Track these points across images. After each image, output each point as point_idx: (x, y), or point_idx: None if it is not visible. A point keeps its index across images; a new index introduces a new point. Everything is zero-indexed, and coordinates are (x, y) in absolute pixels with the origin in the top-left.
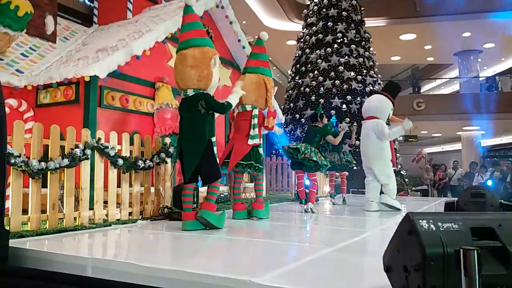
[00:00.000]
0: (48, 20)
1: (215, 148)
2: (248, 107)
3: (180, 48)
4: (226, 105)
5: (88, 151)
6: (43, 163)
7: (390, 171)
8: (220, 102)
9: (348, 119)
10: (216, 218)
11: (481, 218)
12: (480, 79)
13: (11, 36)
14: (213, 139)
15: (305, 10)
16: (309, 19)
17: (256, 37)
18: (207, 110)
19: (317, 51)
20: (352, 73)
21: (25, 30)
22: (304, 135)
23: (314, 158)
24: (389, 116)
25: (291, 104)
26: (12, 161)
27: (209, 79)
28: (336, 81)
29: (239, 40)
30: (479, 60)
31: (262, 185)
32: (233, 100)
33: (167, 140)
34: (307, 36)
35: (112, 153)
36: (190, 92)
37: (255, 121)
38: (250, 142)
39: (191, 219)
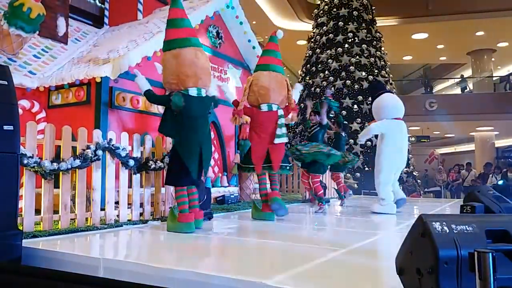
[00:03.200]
0: (60, 22)
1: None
2: (275, 107)
3: (195, 44)
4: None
5: (100, 152)
6: (55, 164)
7: None
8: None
9: (360, 119)
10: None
11: (495, 221)
12: (494, 78)
13: (23, 38)
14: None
15: (315, 10)
16: (319, 19)
17: (271, 34)
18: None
19: (328, 51)
20: (363, 73)
21: (37, 32)
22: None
23: (325, 150)
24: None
25: (301, 104)
26: (25, 161)
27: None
28: (347, 81)
29: (249, 41)
30: (493, 59)
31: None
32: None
33: None
34: (317, 36)
35: (123, 153)
36: (203, 93)
37: (282, 120)
38: (278, 140)
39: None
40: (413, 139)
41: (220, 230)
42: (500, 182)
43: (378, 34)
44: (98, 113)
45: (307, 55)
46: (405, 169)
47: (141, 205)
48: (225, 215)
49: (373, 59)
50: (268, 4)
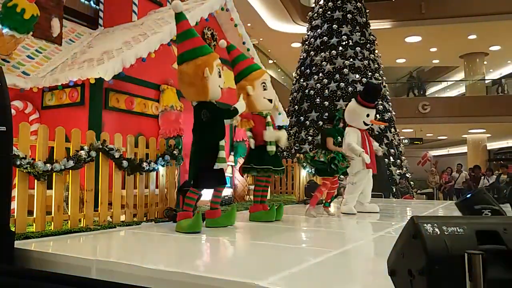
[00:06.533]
0: (54, 23)
1: (221, 152)
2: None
3: (177, 64)
4: (232, 112)
5: (93, 153)
6: (48, 165)
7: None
8: (224, 110)
9: None
10: (188, 226)
11: (486, 222)
12: (486, 81)
13: (17, 39)
14: (221, 142)
15: (310, 13)
16: (314, 22)
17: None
18: (212, 118)
19: (322, 54)
20: (357, 76)
21: (31, 33)
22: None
23: (322, 159)
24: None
25: (296, 106)
26: (18, 162)
27: (206, 92)
28: (341, 83)
29: (243, 43)
30: (485, 62)
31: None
32: (240, 106)
33: (172, 142)
34: (312, 39)
35: (117, 155)
36: (194, 103)
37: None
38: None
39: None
40: (406, 141)
41: (212, 231)
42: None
43: (372, 37)
44: (92, 114)
45: (302, 57)
46: (398, 171)
47: (135, 206)
48: None
49: (366, 61)
50: (263, 7)
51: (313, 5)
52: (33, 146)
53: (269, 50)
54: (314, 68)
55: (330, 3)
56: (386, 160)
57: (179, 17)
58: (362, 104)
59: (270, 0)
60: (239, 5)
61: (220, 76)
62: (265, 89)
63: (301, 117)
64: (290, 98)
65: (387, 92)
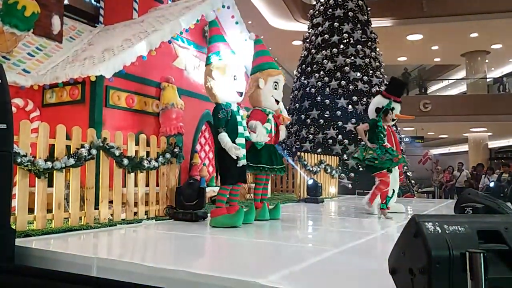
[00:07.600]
0: (55, 20)
1: (242, 150)
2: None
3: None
4: (219, 127)
5: (94, 151)
6: (49, 163)
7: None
8: (217, 122)
9: (354, 119)
10: (227, 220)
11: (487, 221)
12: (488, 80)
13: (18, 36)
14: (240, 141)
15: (311, 10)
16: (315, 19)
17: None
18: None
19: (323, 52)
20: (358, 74)
21: (31, 30)
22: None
23: (355, 155)
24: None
25: (297, 104)
26: (19, 160)
27: (214, 94)
28: (342, 81)
29: (245, 40)
30: (487, 61)
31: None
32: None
33: (173, 140)
34: (313, 37)
35: (117, 153)
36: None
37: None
38: None
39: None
40: (407, 139)
41: (214, 230)
42: (491, 184)
43: (373, 35)
44: (92, 112)
45: (303, 55)
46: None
47: (135, 204)
48: None
49: (368, 59)
50: (264, 4)
51: (314, 2)
52: (34, 143)
53: (270, 48)
54: (315, 66)
55: (331, 0)
56: None
57: (210, 24)
58: (386, 97)
59: None
60: (240, 3)
61: (235, 79)
62: (275, 88)
63: (302, 115)
64: (291, 96)
65: None
